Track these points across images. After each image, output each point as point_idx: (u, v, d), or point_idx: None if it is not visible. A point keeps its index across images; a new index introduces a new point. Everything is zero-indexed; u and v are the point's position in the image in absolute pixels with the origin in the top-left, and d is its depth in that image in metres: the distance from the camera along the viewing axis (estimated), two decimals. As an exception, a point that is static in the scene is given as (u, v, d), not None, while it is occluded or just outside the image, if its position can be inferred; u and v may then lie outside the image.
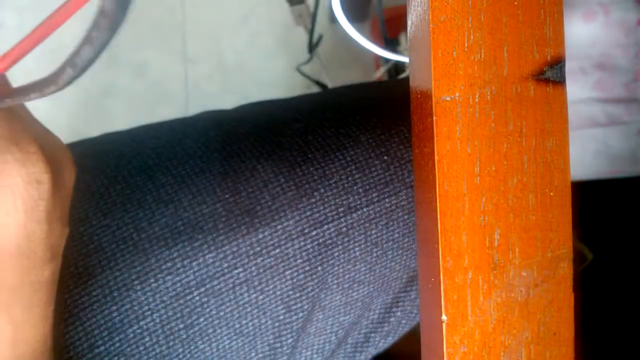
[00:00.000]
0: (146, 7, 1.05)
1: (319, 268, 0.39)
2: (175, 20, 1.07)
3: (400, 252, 0.41)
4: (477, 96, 0.27)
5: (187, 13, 1.06)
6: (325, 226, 0.38)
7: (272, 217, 0.38)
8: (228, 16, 1.07)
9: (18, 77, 0.25)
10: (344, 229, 0.39)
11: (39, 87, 0.18)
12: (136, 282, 0.36)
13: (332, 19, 0.97)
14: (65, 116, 1.06)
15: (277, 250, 0.38)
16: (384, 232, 0.40)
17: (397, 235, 0.40)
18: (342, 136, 0.40)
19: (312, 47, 0.75)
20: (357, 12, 0.94)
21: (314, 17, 0.70)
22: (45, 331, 0.27)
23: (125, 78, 1.06)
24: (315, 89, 0.82)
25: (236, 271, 0.37)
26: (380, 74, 0.82)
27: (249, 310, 0.38)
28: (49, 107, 1.04)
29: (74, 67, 0.17)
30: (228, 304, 0.37)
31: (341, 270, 0.39)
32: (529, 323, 0.28)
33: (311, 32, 0.73)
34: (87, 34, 0.16)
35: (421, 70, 0.28)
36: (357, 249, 0.39)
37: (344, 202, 0.39)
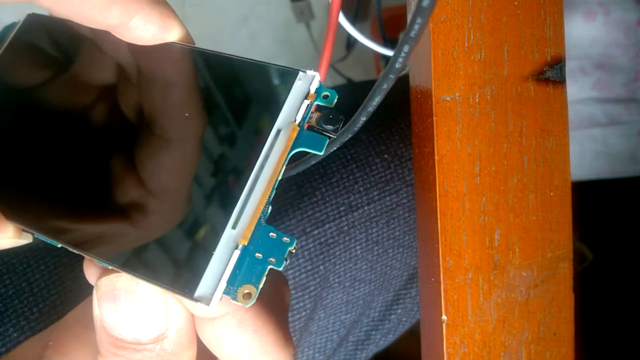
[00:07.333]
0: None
1: (321, 267, 0.39)
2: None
3: (400, 250, 0.41)
4: (477, 96, 0.27)
5: (187, 13, 1.06)
6: (327, 225, 0.38)
7: (274, 217, 0.38)
8: (228, 16, 1.07)
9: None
10: (345, 227, 0.39)
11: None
12: None
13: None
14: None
15: None
16: (384, 230, 0.40)
17: (397, 233, 0.40)
18: None
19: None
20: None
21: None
22: None
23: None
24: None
25: None
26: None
27: None
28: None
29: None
30: None
31: (342, 269, 0.40)
32: (529, 323, 0.28)
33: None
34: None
35: (421, 70, 0.28)
36: (358, 247, 0.39)
37: (345, 200, 0.39)
